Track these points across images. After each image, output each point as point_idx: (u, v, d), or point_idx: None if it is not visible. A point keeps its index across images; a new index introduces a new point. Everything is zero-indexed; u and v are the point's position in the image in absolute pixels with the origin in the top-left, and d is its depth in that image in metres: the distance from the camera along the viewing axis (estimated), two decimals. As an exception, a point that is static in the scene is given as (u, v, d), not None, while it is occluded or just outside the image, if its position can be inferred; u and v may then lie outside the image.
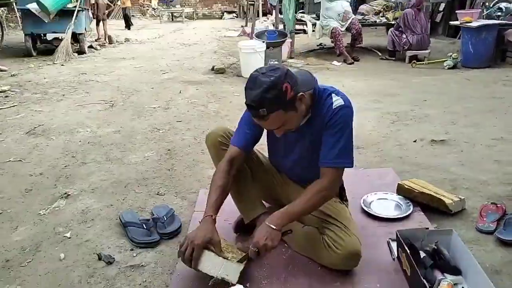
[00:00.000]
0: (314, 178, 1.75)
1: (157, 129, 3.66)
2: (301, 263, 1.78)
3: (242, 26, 12.13)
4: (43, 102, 4.61)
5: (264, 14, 13.58)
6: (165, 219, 2.11)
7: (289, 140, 1.80)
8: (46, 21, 7.57)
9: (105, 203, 2.39)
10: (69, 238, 2.07)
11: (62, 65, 7.04)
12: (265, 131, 1.82)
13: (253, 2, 11.91)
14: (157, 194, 2.49)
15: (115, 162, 2.96)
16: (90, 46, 8.81)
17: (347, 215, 1.82)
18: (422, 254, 1.68)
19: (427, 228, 1.81)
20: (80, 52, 8.18)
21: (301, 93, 1.57)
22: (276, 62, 5.59)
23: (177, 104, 4.46)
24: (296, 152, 1.83)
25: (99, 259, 1.88)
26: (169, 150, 3.17)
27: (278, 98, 1.50)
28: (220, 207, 1.75)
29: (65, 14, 7.74)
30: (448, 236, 1.74)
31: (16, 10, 11.23)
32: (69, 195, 2.47)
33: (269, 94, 1.48)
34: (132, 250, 1.96)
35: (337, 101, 1.65)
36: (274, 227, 1.62)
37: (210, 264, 1.59)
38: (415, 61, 6.50)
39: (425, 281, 1.43)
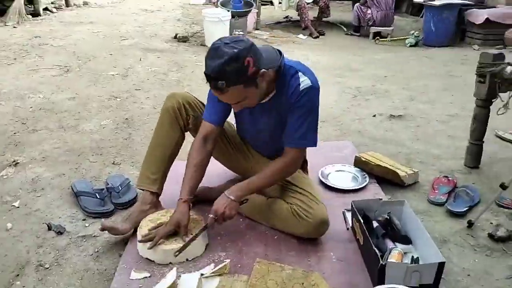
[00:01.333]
0: (276, 152, 1.78)
1: (114, 97, 3.52)
2: (257, 232, 1.79)
3: (207, -5, 11.76)
4: (-9, 66, 4.32)
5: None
6: (120, 188, 2.05)
7: (255, 113, 1.76)
8: (-4, -21, 7.03)
9: (57, 172, 2.29)
10: (17, 207, 1.98)
11: (14, 27, 6.59)
12: None
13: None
14: (113, 163, 2.41)
15: (69, 130, 2.84)
16: (46, 9, 8.28)
17: (312, 184, 1.86)
18: (375, 224, 1.73)
19: (381, 199, 1.85)
20: (35, 14, 7.66)
21: (263, 70, 1.52)
22: (241, 33, 5.48)
23: (136, 72, 4.30)
24: (260, 125, 1.81)
25: (49, 229, 1.81)
26: (126, 119, 3.06)
27: (238, 72, 1.45)
28: (197, 187, 1.74)
29: (17, -29, 7.20)
30: (400, 207, 1.79)
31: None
32: (18, 163, 2.35)
33: (230, 67, 1.42)
34: (84, 220, 1.90)
35: (304, 82, 1.61)
36: (233, 198, 1.64)
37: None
38: (378, 37, 6.56)
39: (376, 250, 1.47)
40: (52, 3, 9.09)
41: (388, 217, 1.74)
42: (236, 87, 1.47)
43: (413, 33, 6.30)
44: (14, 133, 2.75)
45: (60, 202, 2.02)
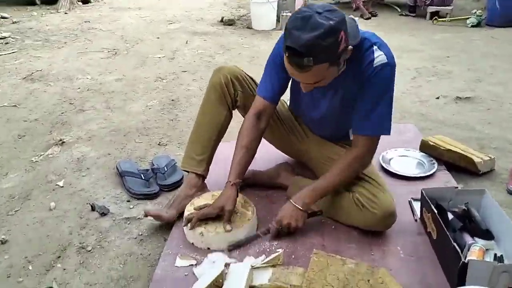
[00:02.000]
0: (339, 137, 1.62)
1: (160, 78, 3.44)
2: (313, 220, 1.61)
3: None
4: (43, 49, 4.38)
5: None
6: (166, 169, 1.95)
7: (315, 93, 1.52)
8: (49, -34, 7.19)
9: (102, 151, 2.23)
10: (62, 187, 1.92)
11: (66, 13, 6.73)
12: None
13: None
14: (159, 144, 2.32)
15: (115, 110, 2.78)
16: (96, -5, 8.42)
17: (375, 170, 1.64)
18: (450, 216, 1.50)
19: (456, 187, 1.62)
20: (85, 1, 7.82)
21: (350, 47, 1.29)
22: (290, 14, 5.26)
23: (183, 55, 4.21)
24: (322, 107, 1.58)
25: (93, 209, 1.73)
26: (173, 100, 2.97)
27: (331, 48, 1.21)
28: (246, 169, 1.59)
29: (69, -41, 7.33)
30: (479, 197, 1.55)
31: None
32: (64, 142, 2.31)
33: (325, 42, 1.18)
34: (129, 201, 1.81)
35: (379, 57, 1.36)
36: (301, 208, 1.47)
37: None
38: (436, 17, 6.10)
39: (456, 245, 1.26)
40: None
41: (465, 208, 1.51)
42: (322, 65, 1.23)
43: (475, 12, 5.79)
44: (62, 113, 2.72)
45: (105, 182, 1.94)
